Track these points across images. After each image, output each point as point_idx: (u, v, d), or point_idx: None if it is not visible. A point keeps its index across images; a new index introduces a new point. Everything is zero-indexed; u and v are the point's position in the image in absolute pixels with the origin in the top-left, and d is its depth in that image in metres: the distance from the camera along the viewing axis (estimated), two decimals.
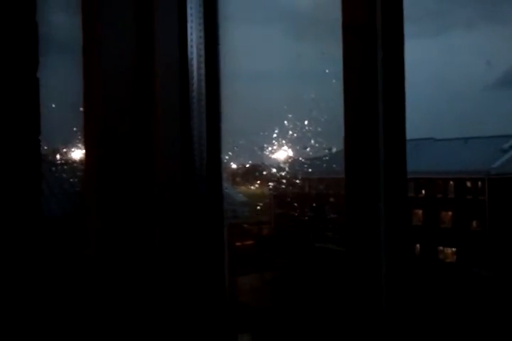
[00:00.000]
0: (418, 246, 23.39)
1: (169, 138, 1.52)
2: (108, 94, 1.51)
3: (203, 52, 1.56)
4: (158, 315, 1.59)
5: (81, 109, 1.69)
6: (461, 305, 15.13)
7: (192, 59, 1.54)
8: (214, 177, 1.63)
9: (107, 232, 1.54)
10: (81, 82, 1.60)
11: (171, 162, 1.51)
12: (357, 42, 1.85)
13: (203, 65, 1.56)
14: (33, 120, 1.78)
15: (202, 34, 1.56)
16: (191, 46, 1.55)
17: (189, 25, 1.55)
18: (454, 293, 15.97)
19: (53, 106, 2.09)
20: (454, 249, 22.97)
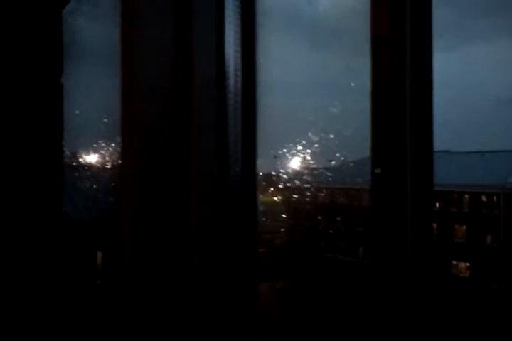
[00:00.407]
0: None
1: (206, 147, 1.53)
2: (146, 106, 1.53)
3: (239, 66, 1.58)
4: (193, 313, 1.58)
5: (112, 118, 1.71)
6: (473, 319, 14.95)
7: (229, 71, 1.55)
8: (249, 184, 1.64)
9: (142, 237, 1.56)
10: (114, 91, 1.61)
11: (207, 171, 1.52)
12: (385, 55, 1.85)
13: (239, 77, 1.57)
14: (56, 125, 1.81)
15: (239, 48, 1.57)
16: (228, 59, 1.56)
17: (226, 38, 1.56)
18: (467, 308, 15.79)
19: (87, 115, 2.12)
20: (467, 264, 22.72)
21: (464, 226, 23.33)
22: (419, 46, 1.85)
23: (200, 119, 1.48)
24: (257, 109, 1.58)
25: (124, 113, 1.67)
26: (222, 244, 1.48)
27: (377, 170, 1.66)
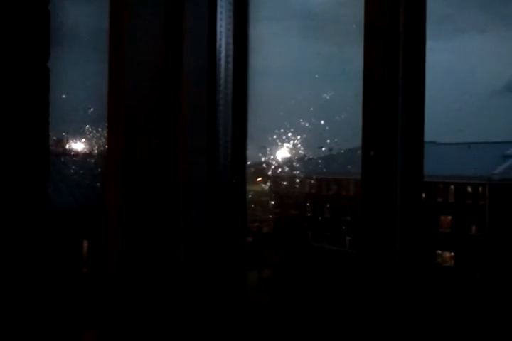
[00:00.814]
0: None
1: (195, 133, 1.51)
2: (134, 92, 1.50)
3: (231, 53, 1.55)
4: (181, 301, 1.58)
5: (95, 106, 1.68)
6: (457, 309, 15.11)
7: (220, 58, 1.53)
8: (238, 173, 1.63)
9: (129, 228, 1.54)
10: (101, 76, 1.59)
11: (196, 157, 1.50)
12: (379, 43, 1.84)
13: (230, 65, 1.55)
14: (42, 110, 1.78)
15: (231, 35, 1.55)
16: (220, 46, 1.54)
17: (218, 24, 1.54)
18: (452, 297, 15.95)
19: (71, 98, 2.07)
20: (452, 254, 22.95)
21: (450, 217, 23.52)
22: (413, 35, 1.84)
23: (189, 107, 1.46)
24: (248, 98, 1.57)
25: (112, 99, 1.65)
26: (211, 233, 1.47)
27: (371, 153, 1.65)
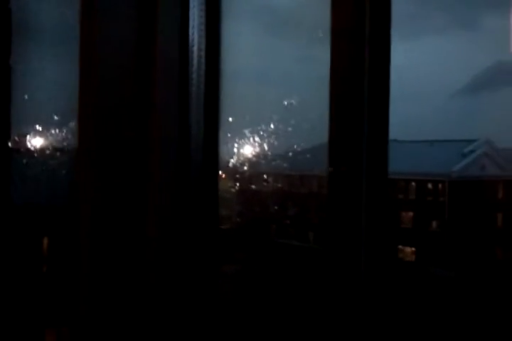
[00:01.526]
0: None
1: (167, 126, 1.52)
2: (105, 86, 1.51)
3: (203, 53, 1.57)
4: (150, 296, 1.59)
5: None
6: (417, 303, 15.44)
7: (193, 51, 1.55)
8: (210, 175, 1.65)
9: (102, 223, 1.55)
10: (72, 72, 1.58)
11: (167, 149, 1.52)
12: (345, 45, 1.89)
13: (203, 65, 1.57)
14: (2, 108, 1.76)
15: (203, 33, 1.57)
16: (192, 41, 1.55)
17: (191, 23, 1.56)
18: (411, 292, 16.28)
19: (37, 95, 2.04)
20: (413, 249, 23.44)
21: (411, 213, 24.01)
22: (378, 38, 1.90)
23: (162, 102, 1.47)
24: (221, 94, 1.59)
25: (83, 97, 1.65)
26: (183, 223, 1.48)
27: (330, 170, 1.70)
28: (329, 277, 1.79)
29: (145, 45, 1.44)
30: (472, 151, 23.35)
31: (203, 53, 1.50)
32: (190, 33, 1.49)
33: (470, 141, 23.58)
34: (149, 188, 1.44)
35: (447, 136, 23.93)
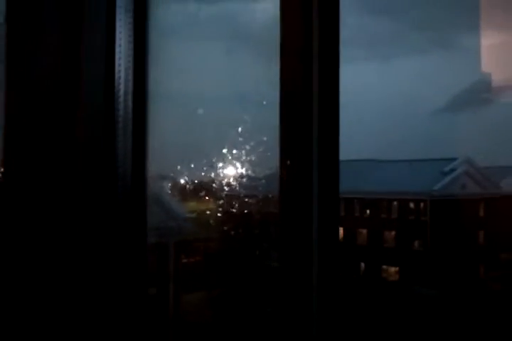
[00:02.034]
0: (363, 264, 23.75)
1: (91, 149, 1.48)
2: (29, 104, 1.46)
3: (131, 75, 1.54)
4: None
5: None
6: (401, 322, 15.38)
7: (120, 77, 1.52)
8: (139, 198, 1.61)
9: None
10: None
11: (95, 176, 1.48)
12: (293, 64, 1.88)
13: (130, 87, 1.54)
14: None
15: (131, 53, 1.54)
16: (119, 65, 1.52)
17: (117, 42, 1.53)
18: (396, 311, 16.23)
19: None
20: (396, 268, 23.40)
21: (393, 232, 24.03)
22: (327, 55, 1.89)
23: (86, 124, 1.43)
24: (149, 115, 1.56)
25: (7, 114, 1.60)
26: (110, 238, 1.43)
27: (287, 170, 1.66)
28: (283, 295, 1.74)
29: (71, 61, 1.41)
30: (453, 170, 23.55)
31: (130, 73, 1.47)
32: (117, 54, 1.47)
33: (449, 160, 23.81)
34: (75, 204, 1.41)
35: (426, 155, 24.14)
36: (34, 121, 1.54)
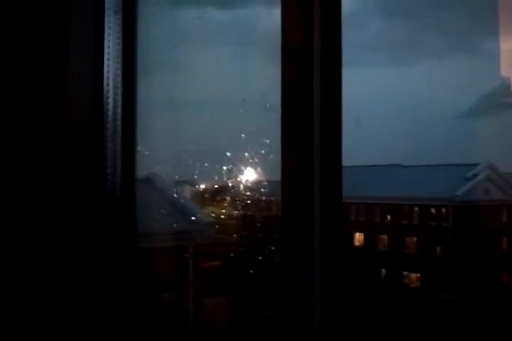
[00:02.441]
0: (384, 271, 23.50)
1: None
2: (19, 110, 1.46)
3: (119, 84, 1.52)
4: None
5: None
6: (422, 329, 15.18)
7: (108, 90, 1.50)
8: (128, 202, 1.59)
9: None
10: None
11: (83, 186, 1.47)
12: (294, 66, 1.86)
13: (119, 97, 1.52)
14: None
15: (119, 65, 1.53)
16: (108, 77, 1.51)
17: (106, 52, 1.51)
18: (417, 318, 16.02)
19: None
20: (418, 275, 23.12)
21: (415, 238, 23.77)
22: (329, 57, 1.87)
23: (75, 130, 1.42)
24: (138, 124, 1.54)
25: None
26: (100, 242, 1.41)
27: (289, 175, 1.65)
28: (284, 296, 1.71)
29: (58, 79, 1.40)
30: (475, 175, 23.24)
31: (119, 93, 1.46)
32: (105, 76, 1.46)
33: (471, 165, 23.49)
34: (64, 206, 1.40)
35: (451, 161, 23.85)
36: (21, 126, 1.54)
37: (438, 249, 22.54)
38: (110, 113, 1.51)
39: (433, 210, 22.91)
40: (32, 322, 1.49)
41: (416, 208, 23.32)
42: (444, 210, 22.55)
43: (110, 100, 1.51)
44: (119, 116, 1.56)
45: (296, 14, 1.89)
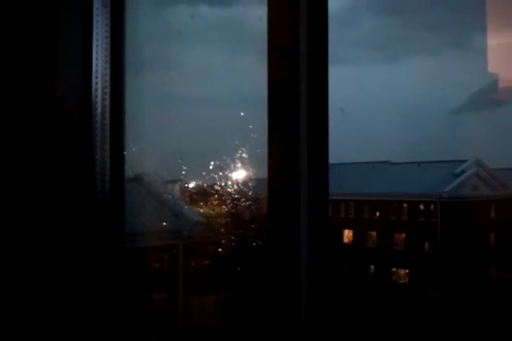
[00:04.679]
0: (372, 267, 23.60)
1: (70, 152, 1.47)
2: (6, 108, 1.45)
3: (108, 84, 1.51)
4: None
5: None
6: (410, 325, 15.28)
7: (97, 79, 1.50)
8: (117, 203, 1.59)
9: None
10: None
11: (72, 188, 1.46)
12: (281, 63, 1.86)
13: (107, 96, 1.51)
14: None
15: (108, 63, 1.52)
16: (96, 76, 1.50)
17: (94, 54, 1.50)
18: (405, 314, 16.12)
19: None
20: (406, 271, 23.25)
21: (403, 234, 23.88)
22: (316, 55, 1.87)
23: (63, 128, 1.42)
24: (125, 123, 1.54)
25: None
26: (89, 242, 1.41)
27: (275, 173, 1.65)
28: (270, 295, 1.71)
29: (45, 65, 1.39)
30: (463, 172, 23.38)
31: (107, 87, 1.45)
32: (94, 69, 1.45)
33: (458, 162, 23.64)
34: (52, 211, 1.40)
35: (441, 157, 23.95)
36: (8, 124, 1.53)
37: (427, 245, 22.69)
38: (98, 111, 1.51)
39: (421, 206, 23.05)
40: (20, 320, 1.49)
41: (405, 205, 23.45)
42: (432, 206, 22.70)
43: (98, 99, 1.50)
44: (107, 115, 1.55)
45: (283, 11, 1.89)
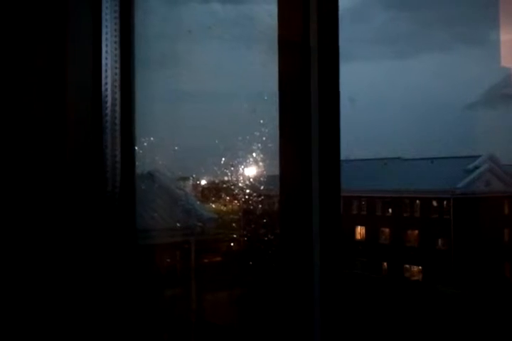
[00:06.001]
0: (385, 264, 23.53)
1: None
2: (17, 111, 1.45)
3: (118, 77, 1.51)
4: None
5: None
6: (424, 321, 15.21)
7: (106, 83, 1.49)
8: (128, 199, 1.59)
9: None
10: None
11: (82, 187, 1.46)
12: (292, 58, 1.85)
13: (117, 91, 1.51)
14: None
15: (117, 58, 1.52)
16: (105, 70, 1.50)
17: (104, 49, 1.50)
18: (419, 310, 16.05)
19: None
20: (420, 267, 23.14)
21: (416, 231, 23.77)
22: (326, 50, 1.85)
23: (75, 130, 1.42)
24: (136, 119, 1.53)
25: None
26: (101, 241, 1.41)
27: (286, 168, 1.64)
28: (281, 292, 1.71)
29: (54, 65, 1.39)
30: (476, 167, 23.20)
31: (117, 91, 1.45)
32: (103, 60, 1.45)
33: (472, 158, 23.45)
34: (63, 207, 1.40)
35: (454, 153, 23.76)
36: (19, 123, 1.54)
37: (440, 242, 22.56)
38: (108, 110, 1.51)
39: (434, 203, 22.91)
40: (32, 317, 1.50)
41: (417, 201, 23.33)
42: (445, 203, 22.55)
43: (108, 94, 1.50)
44: (117, 110, 1.55)
45: (293, 7, 1.88)
